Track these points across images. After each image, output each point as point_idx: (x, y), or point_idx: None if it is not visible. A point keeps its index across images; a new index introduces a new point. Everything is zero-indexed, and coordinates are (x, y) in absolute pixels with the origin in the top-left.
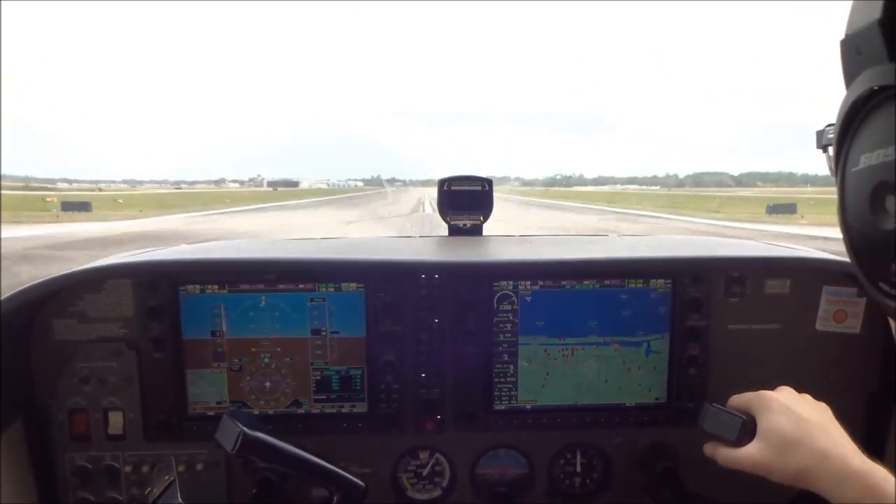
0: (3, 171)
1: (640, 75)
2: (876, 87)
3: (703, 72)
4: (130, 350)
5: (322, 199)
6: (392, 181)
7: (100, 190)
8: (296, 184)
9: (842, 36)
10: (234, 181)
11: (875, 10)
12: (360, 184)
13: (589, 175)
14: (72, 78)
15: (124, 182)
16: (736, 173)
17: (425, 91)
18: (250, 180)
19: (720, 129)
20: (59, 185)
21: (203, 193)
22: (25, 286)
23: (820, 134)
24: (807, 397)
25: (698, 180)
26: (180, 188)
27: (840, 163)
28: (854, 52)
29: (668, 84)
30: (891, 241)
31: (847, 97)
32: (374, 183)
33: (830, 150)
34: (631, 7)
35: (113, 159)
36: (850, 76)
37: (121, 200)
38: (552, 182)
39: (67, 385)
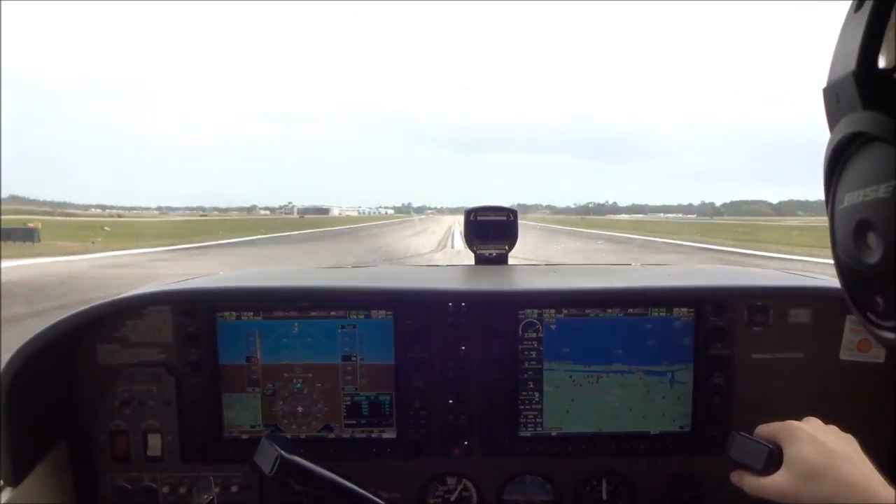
0: (45, 197)
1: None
2: (854, 133)
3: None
4: (169, 374)
5: (345, 227)
6: (422, 209)
7: (119, 216)
8: (326, 211)
9: (824, 84)
10: (266, 208)
11: (850, 62)
12: (391, 211)
13: (622, 203)
14: (108, 105)
15: (158, 209)
16: (775, 201)
17: (456, 122)
18: (281, 207)
19: (750, 154)
20: (93, 210)
21: (211, 221)
22: (71, 313)
23: None
24: (833, 428)
25: (735, 209)
26: (206, 215)
27: (829, 200)
28: (834, 100)
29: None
30: (874, 273)
31: (831, 140)
32: (405, 211)
33: None
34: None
35: (149, 186)
36: (832, 121)
37: (107, 228)
38: (586, 210)
39: (109, 408)
